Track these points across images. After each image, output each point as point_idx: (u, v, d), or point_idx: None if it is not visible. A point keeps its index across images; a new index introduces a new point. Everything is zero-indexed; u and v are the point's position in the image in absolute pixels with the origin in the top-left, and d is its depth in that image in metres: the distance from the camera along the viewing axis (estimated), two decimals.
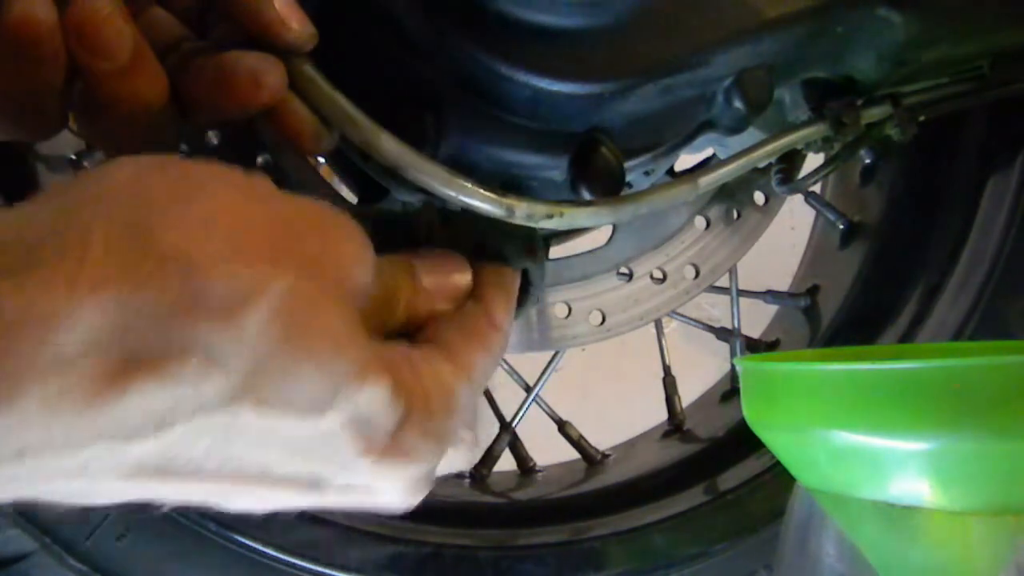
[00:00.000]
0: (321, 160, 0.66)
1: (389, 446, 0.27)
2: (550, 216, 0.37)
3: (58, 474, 0.23)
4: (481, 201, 0.36)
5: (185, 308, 0.23)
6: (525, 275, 0.39)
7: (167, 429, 0.23)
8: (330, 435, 0.26)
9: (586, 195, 0.42)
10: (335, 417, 0.26)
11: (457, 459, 0.33)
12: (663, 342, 0.79)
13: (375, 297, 0.30)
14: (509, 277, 0.38)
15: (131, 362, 0.22)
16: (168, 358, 0.23)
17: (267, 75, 0.32)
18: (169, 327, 0.23)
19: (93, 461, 0.23)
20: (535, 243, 0.39)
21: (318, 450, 0.26)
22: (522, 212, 0.36)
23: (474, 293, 0.36)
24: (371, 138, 0.34)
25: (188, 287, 0.23)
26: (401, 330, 0.34)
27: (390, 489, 0.29)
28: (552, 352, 0.72)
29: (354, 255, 0.28)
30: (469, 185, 0.35)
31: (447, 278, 0.35)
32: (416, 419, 0.28)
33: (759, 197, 0.66)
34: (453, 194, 0.35)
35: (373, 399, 0.27)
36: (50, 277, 0.22)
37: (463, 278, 0.36)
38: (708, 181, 0.42)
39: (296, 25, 0.33)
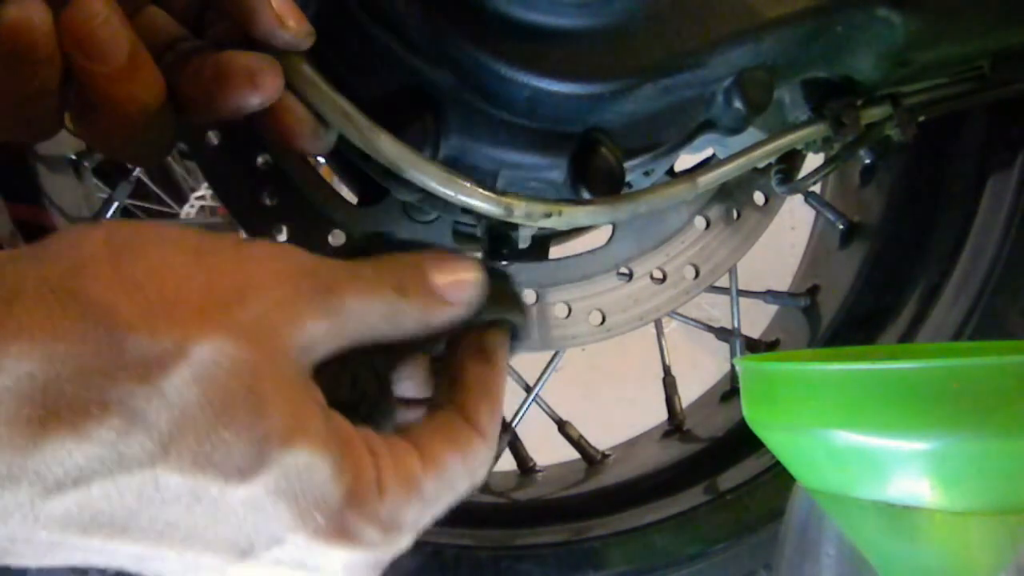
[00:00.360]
0: (321, 160, 0.66)
1: (328, 525, 0.26)
2: (548, 215, 0.37)
3: None
4: (480, 200, 0.36)
5: (106, 364, 0.23)
6: (512, 328, 0.37)
7: (87, 484, 0.23)
8: (257, 503, 0.25)
9: (586, 195, 0.42)
10: (261, 483, 0.25)
11: (477, 473, 0.32)
12: (663, 342, 0.79)
13: (361, 326, 0.29)
14: (495, 375, 0.35)
15: (52, 414, 0.23)
16: (88, 415, 0.23)
17: (264, 74, 0.32)
18: (90, 383, 0.23)
19: (16, 509, 0.23)
20: (516, 291, 0.36)
21: (247, 517, 0.25)
22: (520, 211, 0.36)
23: (455, 396, 0.33)
24: (370, 138, 0.34)
25: (110, 343, 0.23)
26: (419, 346, 0.32)
27: (327, 572, 0.27)
28: (552, 352, 0.72)
29: (301, 306, 0.27)
30: (468, 184, 0.35)
31: (458, 275, 0.32)
32: (364, 499, 0.27)
33: (759, 197, 0.66)
34: (452, 193, 0.35)
35: (306, 468, 0.25)
36: None
37: (476, 275, 0.32)
38: (707, 181, 0.42)
39: (293, 23, 0.33)
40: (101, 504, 0.24)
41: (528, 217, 0.36)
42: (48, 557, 0.25)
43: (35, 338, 0.23)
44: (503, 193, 0.36)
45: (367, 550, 0.27)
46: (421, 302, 0.30)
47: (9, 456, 0.22)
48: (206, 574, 0.27)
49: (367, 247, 0.31)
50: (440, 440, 0.31)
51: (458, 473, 0.31)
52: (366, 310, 0.29)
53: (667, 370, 0.79)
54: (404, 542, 0.29)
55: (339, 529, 0.26)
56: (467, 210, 0.43)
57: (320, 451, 0.26)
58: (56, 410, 0.23)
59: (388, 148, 0.34)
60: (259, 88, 0.32)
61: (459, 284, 0.31)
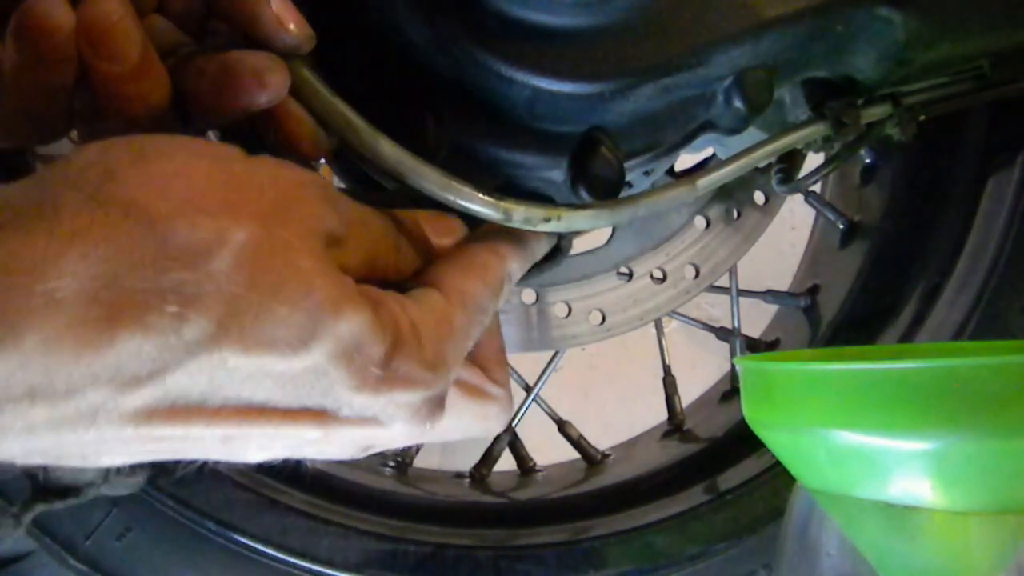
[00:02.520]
0: (321, 160, 0.66)
1: (383, 376, 0.28)
2: (548, 219, 0.37)
3: (69, 425, 0.24)
4: (479, 205, 0.36)
5: (154, 258, 0.25)
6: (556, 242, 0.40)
7: (161, 375, 0.25)
8: (320, 369, 0.27)
9: (585, 195, 0.42)
10: (320, 351, 0.26)
11: (490, 415, 0.34)
12: (663, 342, 0.79)
13: (367, 246, 0.31)
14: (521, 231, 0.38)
15: (116, 311, 0.24)
16: (147, 306, 0.24)
17: (271, 74, 0.32)
18: (144, 276, 0.24)
19: (100, 410, 0.24)
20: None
21: (313, 384, 0.27)
22: (519, 216, 0.36)
23: (477, 234, 0.37)
24: (370, 143, 0.35)
25: (154, 238, 0.25)
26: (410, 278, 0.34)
27: (394, 417, 0.29)
28: (552, 352, 0.72)
29: (314, 202, 0.29)
30: (466, 189, 0.36)
31: (443, 219, 0.37)
32: (407, 346, 0.29)
33: (759, 197, 0.66)
34: (451, 198, 0.35)
35: (355, 330, 0.27)
36: (29, 232, 0.24)
37: (457, 220, 0.37)
38: (707, 183, 0.42)
39: (294, 27, 0.33)
40: (178, 391, 0.25)
41: (527, 222, 0.37)
42: (140, 452, 0.27)
43: (87, 242, 0.24)
44: (501, 198, 0.36)
45: (423, 389, 0.29)
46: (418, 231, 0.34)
47: (88, 356, 0.23)
48: (285, 445, 0.29)
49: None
50: (456, 271, 0.34)
51: (481, 294, 0.33)
52: (370, 221, 0.32)
53: (667, 370, 0.79)
54: (452, 374, 0.31)
55: (395, 377, 0.28)
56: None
57: (362, 312, 0.27)
58: (119, 307, 0.24)
59: (388, 153, 0.35)
60: (266, 87, 0.32)
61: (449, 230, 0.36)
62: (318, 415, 0.28)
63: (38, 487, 0.38)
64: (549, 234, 0.39)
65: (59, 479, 0.38)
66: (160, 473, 0.39)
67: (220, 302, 0.25)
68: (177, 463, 0.29)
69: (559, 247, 0.42)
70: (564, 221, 0.38)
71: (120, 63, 0.30)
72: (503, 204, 0.36)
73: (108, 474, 0.38)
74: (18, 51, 0.30)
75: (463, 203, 0.36)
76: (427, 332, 0.30)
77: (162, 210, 0.25)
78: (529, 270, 0.39)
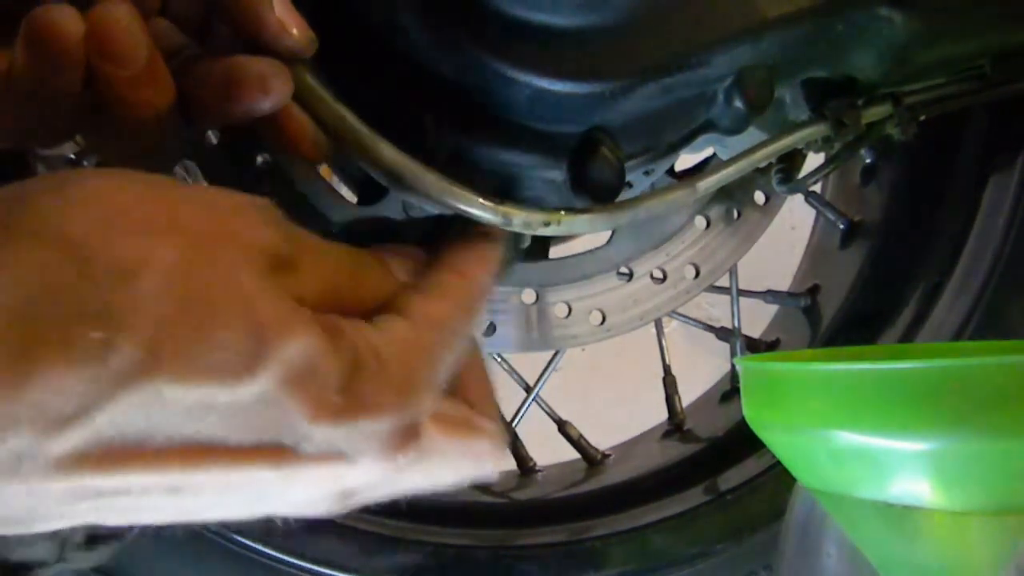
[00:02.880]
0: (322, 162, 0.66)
1: (344, 402, 0.26)
2: (547, 224, 0.37)
3: None
4: (478, 209, 0.36)
5: (73, 283, 0.23)
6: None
7: (90, 414, 0.22)
8: (270, 398, 0.24)
9: (586, 195, 0.42)
10: (267, 377, 0.24)
11: (481, 451, 0.31)
12: (663, 342, 0.79)
13: (324, 277, 0.29)
14: (477, 236, 0.36)
15: (35, 342, 0.22)
16: (70, 334, 0.22)
17: (274, 80, 0.32)
18: (63, 301, 0.22)
19: (23, 457, 0.22)
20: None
21: (265, 415, 0.24)
22: (519, 220, 0.36)
23: (435, 259, 0.34)
24: (370, 147, 0.35)
25: (71, 262, 0.23)
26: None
27: (360, 450, 0.27)
28: (552, 352, 0.72)
29: (257, 224, 0.27)
30: (466, 193, 0.36)
31: (403, 251, 0.35)
32: (368, 369, 0.27)
33: (759, 197, 0.66)
34: (451, 201, 0.35)
35: (306, 351, 0.25)
36: None
37: (418, 252, 0.35)
38: (707, 185, 0.42)
39: (296, 31, 0.33)
40: (111, 432, 0.23)
41: (527, 226, 0.37)
42: (78, 512, 0.24)
43: None
44: (501, 202, 0.36)
45: (390, 415, 0.27)
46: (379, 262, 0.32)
47: (3, 396, 0.21)
48: (243, 495, 0.26)
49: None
50: (419, 296, 0.31)
51: (449, 316, 0.31)
52: (325, 251, 0.30)
53: (667, 370, 0.79)
54: (425, 400, 0.29)
55: (357, 404, 0.26)
56: None
57: (313, 334, 0.25)
58: (38, 337, 0.22)
59: (389, 156, 0.35)
60: (270, 93, 0.32)
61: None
62: (275, 452, 0.25)
63: None
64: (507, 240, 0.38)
65: (5, 559, 0.35)
66: (117, 534, 0.36)
67: (149, 325, 0.23)
68: (128, 528, 0.26)
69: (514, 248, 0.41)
70: (564, 224, 0.38)
71: (126, 67, 0.30)
72: (502, 208, 0.36)
73: (63, 550, 0.36)
74: (28, 56, 0.29)
75: (463, 207, 0.36)
76: (391, 355, 0.28)
77: (77, 232, 0.23)
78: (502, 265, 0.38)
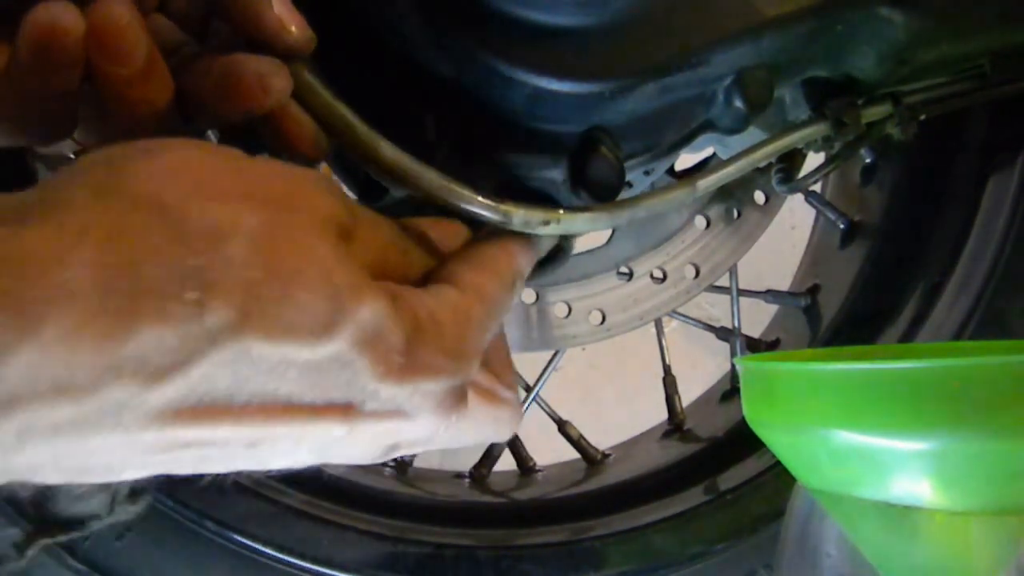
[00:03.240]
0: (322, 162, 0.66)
1: (407, 363, 0.28)
2: (547, 222, 0.37)
3: (94, 425, 0.24)
4: (478, 208, 0.36)
5: (169, 246, 0.24)
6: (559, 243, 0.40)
7: (185, 366, 0.24)
8: (344, 357, 0.26)
9: (585, 194, 0.42)
10: (343, 338, 0.26)
11: (502, 418, 0.34)
12: (663, 342, 0.79)
13: (377, 247, 0.31)
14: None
15: (135, 300, 0.23)
16: (166, 294, 0.24)
17: (274, 78, 0.33)
18: (160, 264, 0.24)
19: (126, 407, 0.24)
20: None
21: (338, 374, 0.27)
22: (519, 219, 0.37)
23: (484, 235, 0.37)
24: (370, 146, 0.35)
25: (166, 226, 0.24)
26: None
27: (420, 408, 0.29)
28: (552, 352, 0.72)
29: (325, 195, 0.29)
30: (466, 192, 0.36)
31: (447, 225, 0.37)
32: (428, 334, 0.29)
33: (759, 196, 0.66)
34: (451, 200, 0.36)
35: (376, 316, 0.27)
36: (41, 226, 0.23)
37: (461, 226, 0.37)
38: (707, 184, 0.42)
39: (295, 29, 0.34)
40: (204, 386, 0.24)
41: (526, 224, 0.37)
42: (164, 461, 0.26)
43: (98, 233, 0.24)
44: (501, 201, 0.36)
45: (446, 377, 0.29)
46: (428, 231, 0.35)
47: (109, 348, 0.23)
48: (311, 447, 0.28)
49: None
50: (468, 267, 0.34)
51: (495, 289, 0.33)
52: (378, 223, 0.32)
53: (667, 369, 0.79)
54: (474, 365, 0.31)
55: (418, 365, 0.28)
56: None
57: (381, 299, 0.27)
58: (137, 296, 0.23)
59: (388, 155, 0.35)
60: (269, 91, 0.33)
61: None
62: (344, 409, 0.27)
63: (41, 520, 0.36)
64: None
65: (62, 511, 0.37)
66: (176, 486, 0.38)
67: (240, 288, 0.24)
68: (199, 476, 0.28)
69: (562, 247, 0.42)
70: (563, 224, 0.38)
71: (126, 66, 0.30)
72: (502, 207, 0.36)
73: (113, 503, 0.37)
74: (28, 55, 0.30)
75: (463, 205, 0.36)
76: (446, 322, 0.30)
77: (171, 198, 0.25)
78: (533, 269, 0.39)
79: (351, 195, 0.32)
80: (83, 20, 0.29)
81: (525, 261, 0.37)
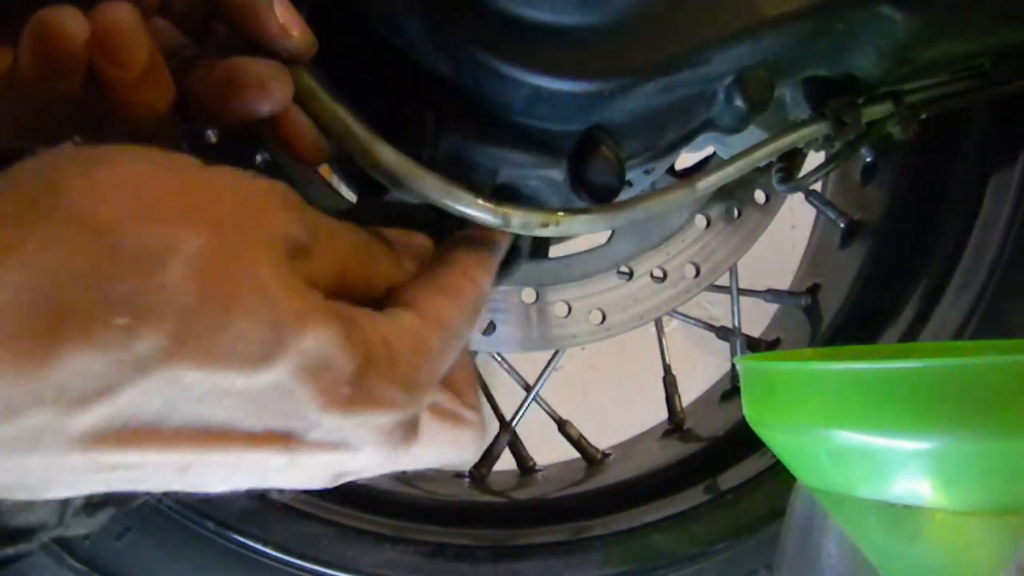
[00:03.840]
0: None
1: (352, 395, 0.27)
2: (545, 225, 0.37)
3: (9, 450, 0.23)
4: (477, 210, 0.36)
5: (101, 267, 0.23)
6: (513, 242, 0.39)
7: (111, 394, 0.23)
8: (285, 387, 0.25)
9: (586, 194, 0.42)
10: (283, 367, 0.25)
11: (464, 441, 0.32)
12: (663, 341, 0.79)
13: (337, 260, 0.30)
14: (482, 239, 0.37)
15: (60, 323, 0.22)
16: (95, 318, 0.23)
17: (275, 82, 0.32)
18: (90, 286, 0.23)
19: (44, 433, 0.23)
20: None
21: (278, 403, 0.26)
22: (517, 221, 0.36)
23: (440, 255, 0.35)
24: (369, 149, 0.35)
25: (100, 246, 0.23)
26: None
27: (365, 441, 0.28)
28: (552, 351, 0.72)
29: (277, 211, 0.28)
30: (465, 195, 0.36)
31: (411, 238, 0.36)
32: (379, 364, 0.27)
33: (760, 196, 0.66)
34: (450, 202, 0.36)
35: (322, 345, 0.26)
36: None
37: (425, 240, 0.36)
38: (706, 184, 0.42)
39: (297, 33, 0.33)
40: (130, 412, 0.24)
41: (525, 227, 0.37)
42: (90, 482, 0.25)
43: (24, 252, 0.23)
44: (499, 204, 0.36)
45: (396, 410, 0.28)
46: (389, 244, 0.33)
47: (28, 373, 0.22)
48: (248, 474, 0.27)
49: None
50: (430, 293, 0.32)
51: (456, 319, 0.32)
52: (339, 234, 0.30)
53: (667, 369, 0.79)
54: (427, 396, 0.30)
55: (367, 397, 0.27)
56: None
57: (330, 326, 0.26)
58: (62, 320, 0.22)
59: (388, 159, 0.35)
60: (270, 96, 0.32)
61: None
62: (283, 439, 0.26)
63: None
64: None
65: (9, 524, 0.36)
66: (115, 501, 0.37)
67: (173, 314, 0.23)
68: (133, 495, 0.28)
69: (517, 248, 0.41)
70: (562, 225, 0.38)
71: (129, 69, 0.30)
72: (501, 209, 0.36)
73: (63, 515, 0.36)
74: (32, 59, 0.29)
75: (461, 208, 0.36)
76: (401, 352, 0.28)
77: (106, 217, 0.24)
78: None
79: (310, 208, 0.30)
80: (87, 25, 0.29)
81: (487, 282, 0.35)
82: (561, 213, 0.38)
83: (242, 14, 0.33)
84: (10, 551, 0.37)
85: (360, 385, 0.27)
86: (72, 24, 0.29)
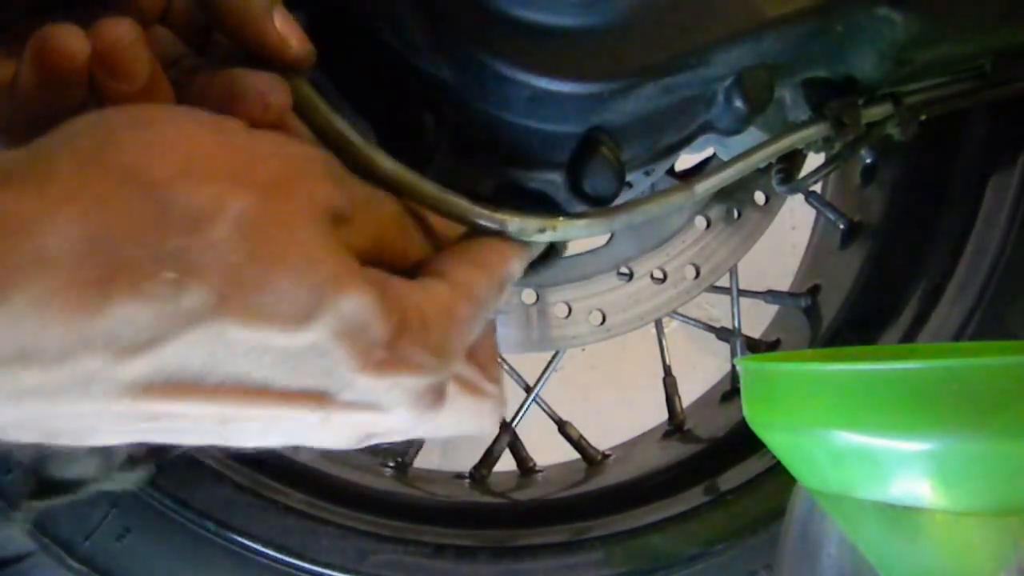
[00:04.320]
0: None
1: (387, 358, 0.28)
2: (542, 230, 0.37)
3: (63, 394, 0.24)
4: (475, 217, 0.36)
5: (152, 222, 0.24)
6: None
7: (159, 345, 0.24)
8: (322, 347, 0.26)
9: (586, 195, 0.42)
10: (322, 328, 0.26)
11: (485, 412, 0.34)
12: (663, 342, 0.79)
13: (374, 228, 0.31)
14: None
15: (112, 274, 0.23)
16: (144, 272, 0.24)
17: (274, 94, 0.33)
18: (141, 240, 0.24)
19: (94, 378, 0.24)
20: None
21: (315, 363, 0.27)
22: (515, 226, 0.37)
23: (476, 235, 0.36)
24: (367, 158, 0.35)
25: (152, 202, 0.24)
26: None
27: (397, 402, 0.29)
28: (552, 352, 0.72)
29: (320, 178, 0.29)
30: (463, 202, 0.36)
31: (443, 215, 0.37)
32: (412, 330, 0.29)
33: (759, 197, 0.66)
34: (448, 209, 0.36)
35: (359, 309, 0.27)
36: (21, 191, 0.23)
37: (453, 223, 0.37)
38: (705, 187, 0.42)
39: (296, 43, 0.34)
40: (176, 364, 0.25)
41: (522, 232, 0.37)
42: (134, 431, 0.26)
43: (81, 204, 0.23)
44: (496, 209, 0.37)
45: (427, 375, 0.29)
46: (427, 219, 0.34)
47: (81, 319, 0.23)
48: (283, 430, 0.28)
49: None
50: (462, 264, 0.33)
51: (485, 290, 0.33)
52: (377, 202, 0.32)
53: (667, 370, 0.79)
54: (455, 364, 0.31)
55: (399, 360, 0.28)
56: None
57: (367, 291, 0.27)
58: (114, 271, 0.23)
59: (385, 167, 0.35)
60: (269, 108, 0.33)
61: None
62: (319, 398, 0.27)
63: (36, 484, 0.37)
64: None
65: (57, 475, 0.37)
66: (156, 455, 0.38)
67: (220, 271, 0.24)
68: (173, 447, 0.29)
69: (554, 247, 0.42)
70: (559, 230, 0.38)
71: (130, 83, 0.31)
72: (498, 215, 0.37)
73: (109, 468, 0.37)
74: (34, 76, 0.30)
75: (459, 215, 0.36)
76: (433, 319, 0.30)
77: (160, 175, 0.25)
78: (526, 269, 0.39)
79: (350, 175, 0.32)
80: (87, 43, 0.30)
81: (518, 263, 0.36)
82: (559, 218, 0.38)
83: (241, 25, 0.33)
84: (59, 500, 0.38)
85: (394, 349, 0.28)
86: (74, 43, 0.30)
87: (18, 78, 0.31)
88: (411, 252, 0.33)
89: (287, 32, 0.33)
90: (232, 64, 0.34)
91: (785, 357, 0.60)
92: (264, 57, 0.34)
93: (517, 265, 0.36)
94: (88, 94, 0.31)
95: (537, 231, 0.37)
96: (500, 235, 0.36)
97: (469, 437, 0.35)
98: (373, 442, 0.31)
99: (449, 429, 0.33)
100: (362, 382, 0.28)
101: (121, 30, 0.30)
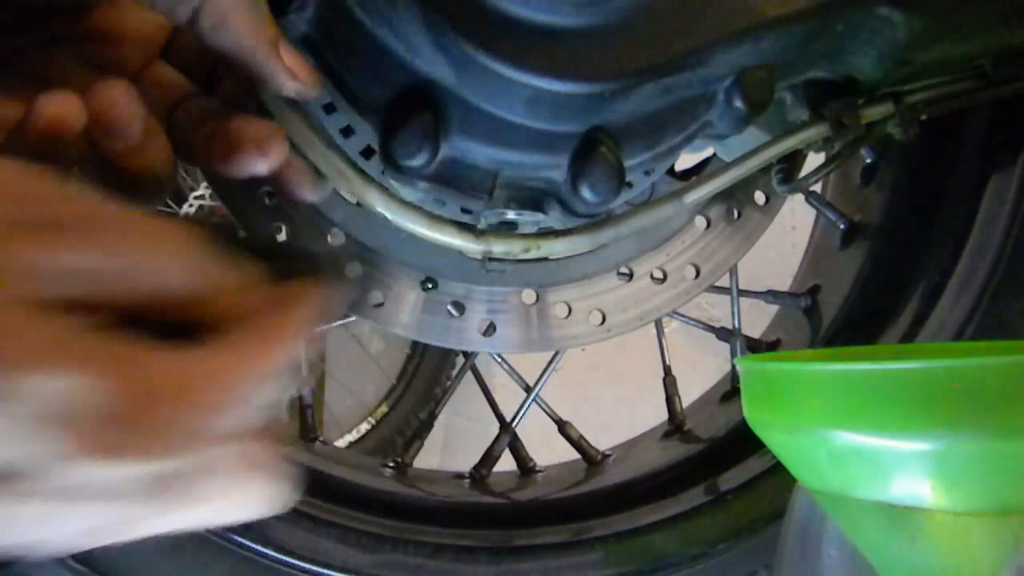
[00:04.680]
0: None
1: (108, 441, 0.24)
2: (527, 249, 0.38)
3: None
4: (462, 241, 0.37)
5: None
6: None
7: None
8: (16, 424, 0.23)
9: (586, 195, 0.42)
10: (11, 411, 0.23)
11: (251, 498, 0.29)
12: (663, 342, 0.79)
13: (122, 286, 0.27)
14: (297, 297, 0.31)
15: None
16: None
17: (271, 143, 0.35)
18: None
19: None
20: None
21: (13, 444, 0.24)
22: (500, 248, 0.38)
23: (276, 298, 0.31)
24: (361, 191, 0.37)
25: None
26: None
27: (117, 493, 0.25)
28: (552, 352, 0.72)
29: (21, 241, 0.25)
30: (450, 228, 0.37)
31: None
32: (140, 413, 0.25)
33: (760, 197, 0.66)
34: (436, 236, 0.37)
35: (65, 388, 0.24)
36: None
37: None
38: (695, 196, 0.42)
39: (304, 76, 0.36)
40: None
41: (507, 253, 0.38)
42: None
43: None
44: (481, 233, 0.38)
45: (158, 459, 0.26)
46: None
47: None
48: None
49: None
50: (224, 347, 0.28)
51: (243, 379, 0.28)
52: (91, 256, 0.26)
53: (667, 370, 0.79)
54: (197, 447, 0.27)
55: (120, 444, 0.25)
56: (465, 209, 0.43)
57: (77, 368, 0.24)
58: None
59: (377, 200, 0.37)
60: (267, 156, 0.35)
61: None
62: (7, 476, 0.24)
63: None
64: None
65: None
66: None
67: None
68: None
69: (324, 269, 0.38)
70: (543, 248, 0.39)
71: (125, 141, 0.32)
72: (484, 239, 0.37)
73: None
74: (32, 138, 0.31)
75: (447, 240, 0.37)
76: (170, 399, 0.26)
77: None
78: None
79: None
80: (83, 112, 0.31)
81: (301, 340, 0.30)
82: (542, 237, 0.39)
83: (251, 64, 0.35)
84: None
85: (114, 431, 0.24)
86: (72, 112, 0.31)
87: (15, 134, 0.31)
88: (193, 306, 0.28)
89: (294, 66, 0.36)
90: (240, 100, 0.36)
91: (785, 357, 0.60)
92: (272, 90, 0.36)
93: (298, 345, 0.30)
94: (87, 148, 0.33)
95: (522, 251, 0.38)
96: (290, 303, 0.30)
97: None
98: (107, 538, 0.27)
99: (214, 519, 0.29)
100: (75, 466, 0.24)
101: (113, 94, 0.32)
